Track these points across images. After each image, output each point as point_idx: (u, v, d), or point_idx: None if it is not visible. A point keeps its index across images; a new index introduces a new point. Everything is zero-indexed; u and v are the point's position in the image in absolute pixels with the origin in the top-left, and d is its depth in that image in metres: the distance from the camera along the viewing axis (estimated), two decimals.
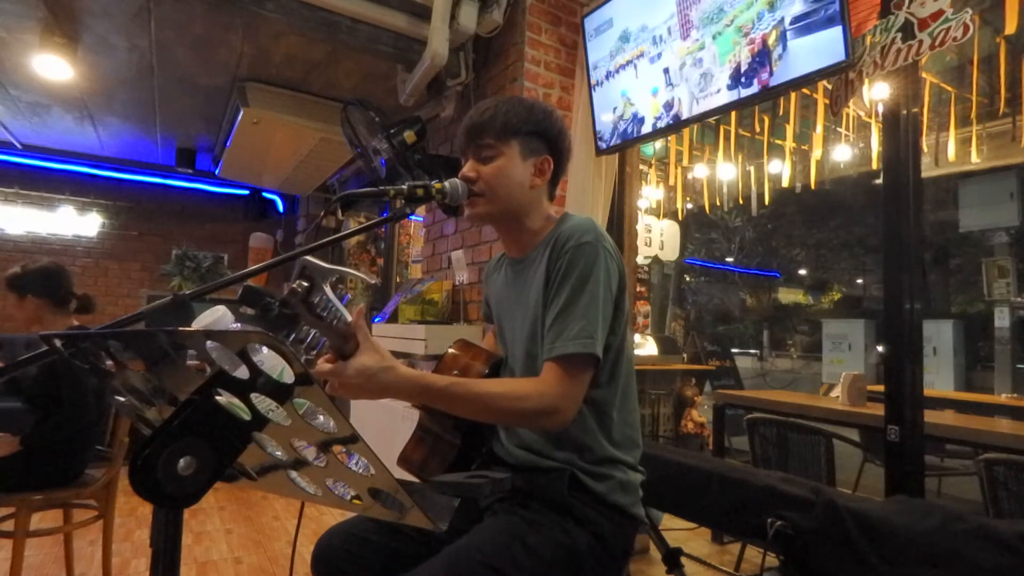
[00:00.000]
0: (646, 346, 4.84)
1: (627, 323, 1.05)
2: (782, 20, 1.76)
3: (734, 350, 9.72)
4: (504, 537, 0.94)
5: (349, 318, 0.86)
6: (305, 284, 0.78)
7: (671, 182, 5.14)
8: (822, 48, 1.67)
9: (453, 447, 1.07)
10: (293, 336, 0.79)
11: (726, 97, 1.96)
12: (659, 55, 2.20)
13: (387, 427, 2.26)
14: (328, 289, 0.81)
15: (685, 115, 2.13)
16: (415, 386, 0.90)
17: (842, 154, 4.75)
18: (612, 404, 1.03)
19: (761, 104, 3.72)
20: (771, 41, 1.79)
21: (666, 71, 2.18)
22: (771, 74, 1.80)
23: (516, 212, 1.08)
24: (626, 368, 1.05)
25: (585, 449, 1.01)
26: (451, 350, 1.16)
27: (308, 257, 0.81)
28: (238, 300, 0.73)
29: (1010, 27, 2.42)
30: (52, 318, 2.01)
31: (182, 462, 0.54)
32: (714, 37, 1.98)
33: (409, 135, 2.59)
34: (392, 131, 2.58)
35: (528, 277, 1.08)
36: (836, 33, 1.63)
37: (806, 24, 1.70)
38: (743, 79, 1.89)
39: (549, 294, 1.00)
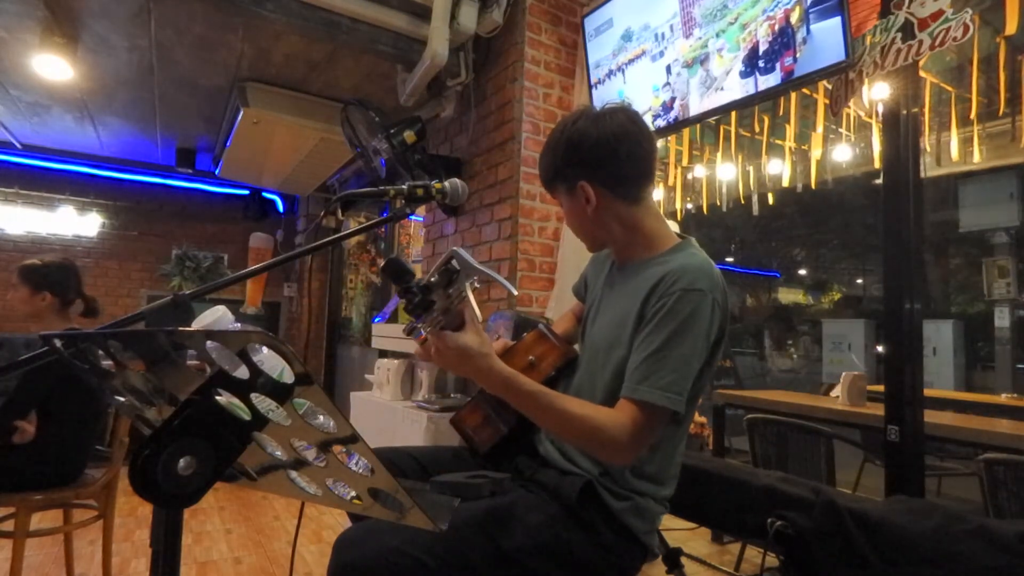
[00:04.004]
0: None
1: (712, 373, 1.02)
2: None
3: (733, 348, 9.71)
4: (506, 507, 0.96)
5: (480, 315, 0.91)
6: (452, 270, 0.86)
7: (671, 182, 5.14)
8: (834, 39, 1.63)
9: (507, 423, 1.09)
10: (426, 313, 0.89)
11: (739, 88, 1.88)
12: (661, 53, 2.20)
13: (387, 427, 2.26)
14: (468, 285, 0.87)
15: (687, 114, 2.13)
16: (503, 381, 0.92)
17: (842, 154, 4.75)
18: (659, 443, 1.02)
19: (761, 104, 3.71)
20: (794, 19, 1.69)
21: (668, 69, 2.18)
22: (795, 60, 1.69)
23: (602, 242, 1.12)
24: (688, 413, 1.02)
25: (609, 474, 1.01)
26: (528, 336, 1.19)
27: (458, 249, 0.87)
28: (382, 270, 0.75)
29: (1010, 27, 2.41)
30: (55, 317, 1.98)
31: (182, 462, 0.54)
32: (717, 35, 1.98)
33: (409, 135, 2.59)
34: (392, 131, 2.58)
35: (624, 292, 1.06)
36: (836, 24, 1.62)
37: (823, 8, 1.66)
38: (761, 63, 1.77)
39: (643, 327, 0.97)
